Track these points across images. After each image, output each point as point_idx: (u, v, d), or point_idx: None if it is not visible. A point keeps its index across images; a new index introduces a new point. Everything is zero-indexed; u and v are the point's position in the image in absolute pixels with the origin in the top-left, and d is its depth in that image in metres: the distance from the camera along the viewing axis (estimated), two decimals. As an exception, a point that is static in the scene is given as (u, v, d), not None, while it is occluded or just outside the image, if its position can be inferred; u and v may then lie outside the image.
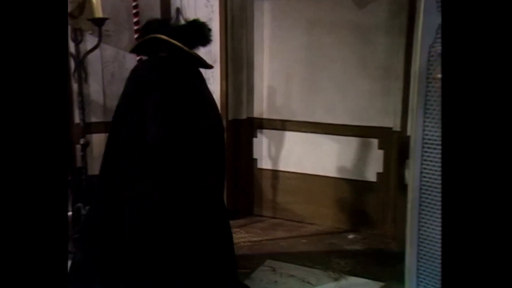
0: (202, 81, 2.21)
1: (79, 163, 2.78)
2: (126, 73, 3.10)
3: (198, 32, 2.13)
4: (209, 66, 2.26)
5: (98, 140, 3.09)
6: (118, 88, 3.12)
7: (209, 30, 2.17)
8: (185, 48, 2.06)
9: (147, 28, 2.10)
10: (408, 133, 2.67)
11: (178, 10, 2.25)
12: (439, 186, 1.81)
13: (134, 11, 3.01)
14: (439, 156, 1.80)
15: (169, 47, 2.06)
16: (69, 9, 2.58)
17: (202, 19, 3.20)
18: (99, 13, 2.49)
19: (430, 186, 1.88)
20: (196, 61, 2.14)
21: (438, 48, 1.76)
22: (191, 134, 2.04)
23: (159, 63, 2.12)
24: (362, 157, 3.19)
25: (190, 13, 3.26)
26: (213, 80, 3.28)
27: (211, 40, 2.19)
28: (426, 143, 1.88)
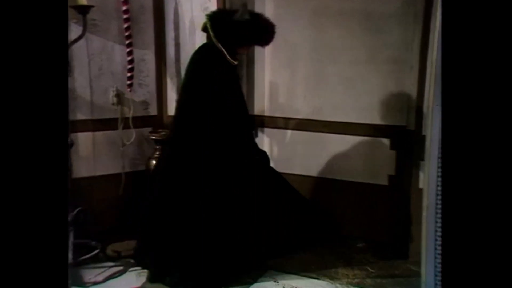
0: (226, 79, 2.52)
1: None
2: (115, 66, 3.11)
3: (238, 28, 2.45)
4: (231, 62, 2.52)
5: (84, 140, 3.03)
6: (106, 82, 3.09)
7: (257, 28, 2.48)
8: (214, 40, 2.45)
9: (213, 14, 2.52)
10: (424, 132, 2.63)
11: (245, 5, 2.51)
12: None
13: (124, -2, 2.95)
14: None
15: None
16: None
17: (197, 8, 3.18)
18: (83, 0, 2.42)
19: (448, 191, 1.80)
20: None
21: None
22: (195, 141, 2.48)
23: (197, 59, 2.57)
24: (372, 159, 3.12)
25: (185, 1, 3.21)
26: None
27: (256, 40, 2.56)
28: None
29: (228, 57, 2.48)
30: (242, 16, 2.42)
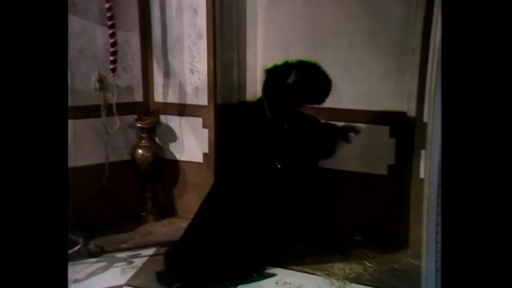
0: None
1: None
2: (97, 49, 3.04)
3: (288, 91, 2.60)
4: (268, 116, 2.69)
5: (64, 128, 2.96)
6: (87, 66, 3.01)
7: (308, 89, 2.60)
8: (262, 96, 2.73)
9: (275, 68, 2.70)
10: (425, 119, 2.60)
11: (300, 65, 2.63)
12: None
13: (105, -25, 2.87)
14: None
15: None
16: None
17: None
18: (60, -24, 2.35)
19: (451, 182, 1.77)
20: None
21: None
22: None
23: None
24: (370, 147, 3.09)
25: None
26: (199, 58, 3.20)
27: (308, 100, 2.67)
28: (446, 131, 1.76)
29: (267, 110, 2.67)
30: (296, 79, 2.55)
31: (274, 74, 2.67)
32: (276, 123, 2.68)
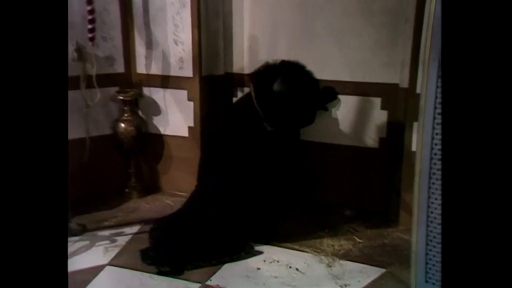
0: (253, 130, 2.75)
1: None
2: (73, 16, 2.96)
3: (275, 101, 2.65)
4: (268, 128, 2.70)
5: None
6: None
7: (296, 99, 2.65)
8: (257, 107, 2.67)
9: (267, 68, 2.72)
10: (418, 91, 2.60)
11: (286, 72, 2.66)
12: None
13: None
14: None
15: None
16: None
17: None
18: None
19: (443, 155, 1.78)
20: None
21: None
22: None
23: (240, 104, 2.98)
24: (361, 119, 3.10)
25: None
26: (183, 28, 3.15)
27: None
28: (439, 103, 1.76)
29: (266, 124, 2.68)
30: (282, 87, 2.62)
31: (261, 82, 2.69)
32: (276, 133, 2.72)
